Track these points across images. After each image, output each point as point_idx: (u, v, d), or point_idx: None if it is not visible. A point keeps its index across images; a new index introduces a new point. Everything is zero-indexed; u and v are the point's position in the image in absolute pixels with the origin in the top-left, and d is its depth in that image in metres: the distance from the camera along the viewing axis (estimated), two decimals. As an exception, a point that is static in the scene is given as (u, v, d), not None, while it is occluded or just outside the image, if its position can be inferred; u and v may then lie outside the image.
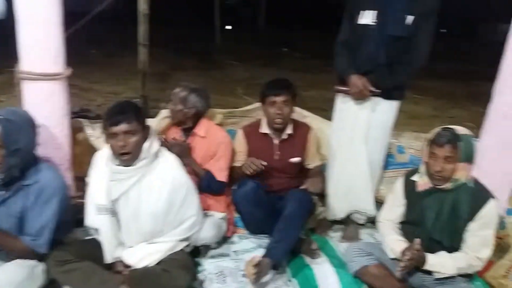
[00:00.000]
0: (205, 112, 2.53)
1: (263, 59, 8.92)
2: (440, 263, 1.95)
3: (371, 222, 2.67)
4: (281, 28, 13.45)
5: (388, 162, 2.90)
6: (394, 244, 2.06)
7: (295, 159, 2.48)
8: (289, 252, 2.33)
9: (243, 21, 14.82)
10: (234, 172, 2.56)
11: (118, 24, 9.21)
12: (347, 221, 2.71)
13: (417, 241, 1.93)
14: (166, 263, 2.01)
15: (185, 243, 2.14)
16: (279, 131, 2.52)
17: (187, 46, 9.81)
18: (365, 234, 2.72)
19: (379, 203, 2.53)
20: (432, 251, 1.97)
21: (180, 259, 2.05)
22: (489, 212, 1.92)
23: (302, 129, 2.61)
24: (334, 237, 2.69)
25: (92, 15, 3.47)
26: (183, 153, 2.37)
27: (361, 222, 2.71)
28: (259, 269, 2.06)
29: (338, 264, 2.33)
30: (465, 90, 6.94)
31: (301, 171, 2.62)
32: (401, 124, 5.00)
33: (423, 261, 1.93)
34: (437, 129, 1.96)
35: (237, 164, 2.55)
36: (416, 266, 1.97)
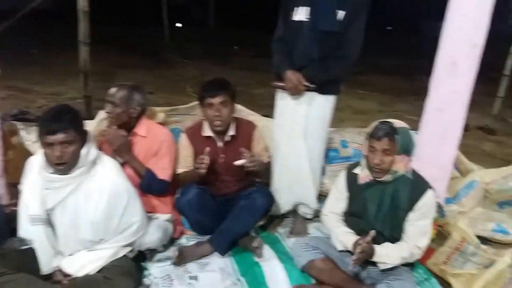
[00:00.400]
0: (146, 110, 2.45)
1: (214, 58, 8.86)
2: (386, 254, 2.00)
3: (318, 216, 2.71)
4: (231, 27, 13.43)
5: (333, 157, 2.96)
6: (344, 236, 2.10)
7: (240, 162, 2.40)
8: (232, 242, 2.41)
9: (193, 19, 14.68)
10: (179, 180, 2.49)
11: (61, 23, 8.81)
12: (295, 216, 2.74)
13: (372, 233, 1.97)
14: (108, 270, 1.94)
15: (128, 249, 2.07)
16: (221, 133, 2.44)
17: (135, 44, 9.57)
18: (313, 228, 2.75)
19: (324, 196, 2.56)
20: (375, 241, 2.02)
21: (123, 265, 1.98)
22: (427, 202, 2.00)
23: (246, 128, 2.53)
24: (282, 233, 2.71)
25: (23, 13, 3.28)
26: (124, 148, 2.28)
27: (309, 217, 2.74)
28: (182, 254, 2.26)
29: (287, 259, 2.34)
30: (409, 84, 7.21)
31: (249, 172, 2.55)
32: (348, 119, 5.18)
33: (372, 253, 1.97)
34: (375, 123, 2.01)
35: (184, 169, 2.47)
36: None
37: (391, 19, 16.81)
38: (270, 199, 2.47)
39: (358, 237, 2.04)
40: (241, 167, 2.35)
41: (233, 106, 2.43)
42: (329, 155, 2.98)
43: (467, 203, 2.80)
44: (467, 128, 5.04)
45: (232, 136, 2.45)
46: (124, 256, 2.04)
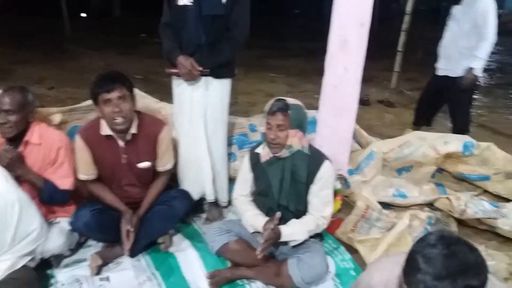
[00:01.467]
0: (34, 113, 2.17)
1: (120, 47, 8.47)
2: (292, 232, 2.07)
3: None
4: (138, 14, 12.90)
5: (243, 141, 2.98)
6: (254, 219, 2.13)
7: (144, 164, 2.21)
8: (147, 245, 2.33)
9: (96, 9, 13.87)
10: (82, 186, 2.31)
11: None
12: (210, 204, 2.73)
13: (277, 215, 2.02)
14: (6, 284, 1.78)
15: (27, 258, 1.92)
16: (122, 131, 2.17)
17: (31, 38, 8.81)
18: (229, 213, 2.77)
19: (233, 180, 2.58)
20: (282, 217, 2.08)
21: (22, 277, 1.83)
22: (325, 173, 2.09)
23: (151, 126, 2.27)
24: (197, 220, 2.69)
25: None
26: (14, 164, 2.02)
27: (223, 204, 2.74)
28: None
29: (202, 247, 2.34)
30: (314, 65, 7.48)
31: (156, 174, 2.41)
32: (260, 102, 5.26)
33: (279, 235, 2.03)
34: (271, 100, 2.06)
35: (86, 176, 2.25)
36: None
37: (298, 2, 17.30)
38: (188, 202, 2.40)
39: (266, 218, 2.09)
40: (147, 169, 2.23)
41: (134, 100, 2.17)
42: (239, 140, 3.00)
43: (369, 172, 2.99)
44: (368, 103, 5.41)
45: (134, 134, 2.20)
46: (24, 266, 1.89)
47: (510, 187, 3.03)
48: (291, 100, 2.06)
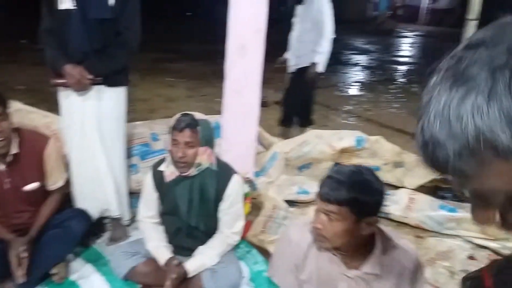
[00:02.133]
0: None
1: (-1, 54, 7.61)
2: (201, 263, 2.00)
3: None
4: (18, 17, 11.69)
5: (145, 152, 2.86)
6: (156, 253, 2.02)
7: (32, 186, 2.00)
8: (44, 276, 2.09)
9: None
10: None
11: None
12: (112, 222, 2.55)
13: (174, 262, 1.94)
14: None
15: None
16: (1, 155, 1.96)
17: None
18: (135, 230, 2.62)
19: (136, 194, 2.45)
20: (192, 236, 2.02)
21: None
22: (234, 188, 2.05)
23: (35, 143, 2.09)
24: (100, 242, 2.51)
25: None
26: None
27: (125, 223, 2.58)
28: None
29: (108, 271, 2.17)
30: (213, 68, 7.51)
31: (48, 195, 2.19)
32: (159, 108, 5.11)
33: (184, 274, 1.94)
34: (177, 116, 1.97)
35: None
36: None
37: (190, 4, 17.17)
38: (87, 222, 2.21)
39: (169, 251, 2.01)
40: (35, 191, 2.01)
41: (10, 117, 1.94)
42: (141, 151, 2.87)
43: (273, 173, 3.07)
44: (266, 104, 5.55)
45: (15, 154, 1.99)
46: None
47: (398, 175, 3.35)
48: (198, 115, 1.97)
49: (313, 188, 3.17)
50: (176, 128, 1.90)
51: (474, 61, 0.37)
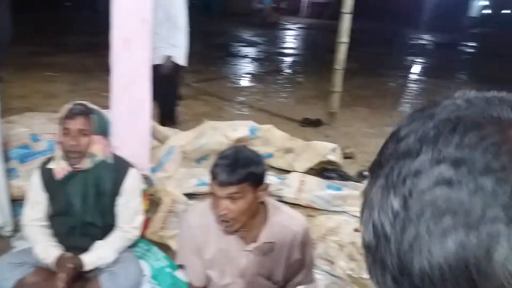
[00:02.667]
0: None
1: None
2: (98, 256, 1.92)
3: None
4: None
5: (24, 154, 2.62)
6: (45, 254, 1.87)
7: None
8: None
9: None
10: None
11: None
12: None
13: (68, 255, 1.83)
14: None
15: None
16: None
17: None
18: (20, 240, 2.39)
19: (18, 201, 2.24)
20: (88, 234, 1.92)
21: None
22: (132, 183, 2.00)
23: None
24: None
25: None
26: None
27: (8, 234, 2.34)
28: None
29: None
30: (98, 61, 7.07)
31: None
32: (39, 105, 4.69)
33: (80, 266, 1.84)
34: (68, 105, 1.85)
35: None
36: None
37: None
38: None
39: (59, 249, 1.88)
40: None
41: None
42: (20, 154, 2.62)
43: (170, 167, 3.03)
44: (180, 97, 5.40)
45: None
46: None
47: (289, 160, 3.54)
48: (90, 105, 1.88)
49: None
50: (68, 116, 1.80)
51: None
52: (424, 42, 13.26)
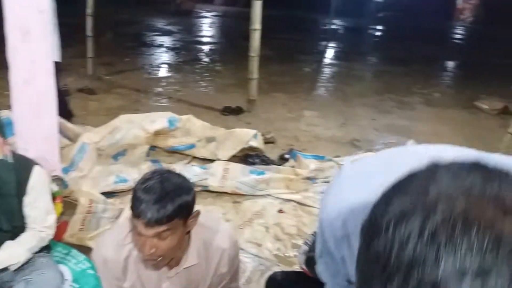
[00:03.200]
0: None
1: None
2: (9, 255, 1.79)
3: None
4: None
5: None
6: None
7: None
8: None
9: None
10: None
11: None
12: None
13: None
14: None
15: None
16: None
17: None
18: None
19: None
20: None
21: None
22: (38, 181, 1.87)
23: None
24: None
25: None
26: None
27: None
28: None
29: None
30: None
31: None
32: None
33: None
34: None
35: None
36: None
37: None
38: None
39: None
40: None
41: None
42: None
43: (85, 166, 2.87)
44: (68, 93, 5.11)
45: None
46: None
47: (212, 149, 3.53)
48: None
49: (131, 175, 3.10)
50: None
51: None
52: (335, 27, 13.83)
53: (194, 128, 3.46)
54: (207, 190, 3.11)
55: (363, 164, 0.85)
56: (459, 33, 16.36)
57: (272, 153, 3.84)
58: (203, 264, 1.40)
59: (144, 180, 1.20)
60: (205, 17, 14.80)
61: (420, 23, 14.25)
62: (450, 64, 9.96)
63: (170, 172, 1.26)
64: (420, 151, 0.78)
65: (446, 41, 13.44)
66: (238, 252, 1.53)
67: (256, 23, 4.56)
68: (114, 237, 1.38)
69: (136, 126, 3.15)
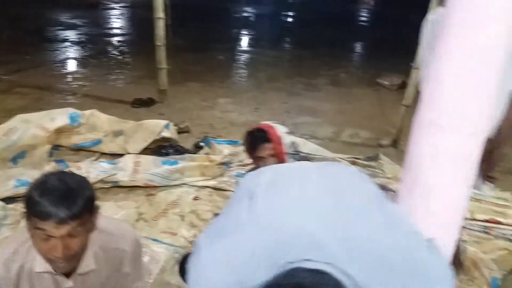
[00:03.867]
0: None
1: None
2: None
3: None
4: None
5: None
6: None
7: None
8: None
9: None
10: None
11: None
12: None
13: None
14: None
15: None
16: None
17: None
18: None
19: None
20: None
21: None
22: None
23: None
24: None
25: None
26: None
27: None
28: None
29: None
30: None
31: None
32: None
33: None
34: None
35: None
36: None
37: None
38: None
39: None
40: None
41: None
42: None
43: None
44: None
45: None
46: None
47: (120, 143, 3.43)
48: None
49: (34, 177, 2.91)
50: None
51: None
52: (246, 14, 13.94)
53: (99, 122, 3.33)
54: (118, 186, 3.02)
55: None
56: (363, 15, 17.33)
57: (187, 143, 3.83)
58: (102, 269, 1.37)
59: (39, 184, 1.15)
60: (113, 8, 14.14)
61: (328, 8, 14.87)
62: (356, 45, 10.54)
63: (63, 172, 1.24)
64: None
65: (352, 24, 14.17)
66: (140, 252, 1.52)
67: (159, 12, 4.46)
68: (1, 255, 1.30)
69: (34, 125, 2.96)
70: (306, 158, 3.40)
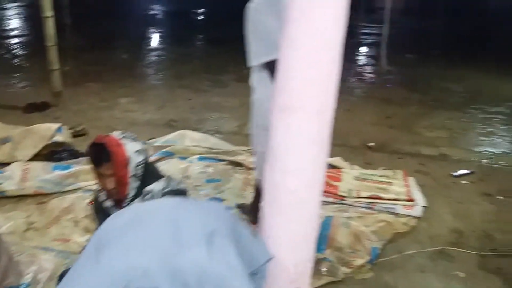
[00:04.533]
0: None
1: None
2: None
3: None
4: None
5: None
6: None
7: None
8: None
9: None
10: None
11: None
12: None
13: None
14: None
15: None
16: None
17: None
18: None
19: None
20: None
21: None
22: None
23: None
24: None
25: None
26: None
27: None
28: None
29: None
30: None
31: None
32: None
33: None
34: None
35: None
36: None
37: None
38: None
39: None
40: None
41: None
42: None
43: None
44: None
45: None
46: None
47: (7, 151, 3.22)
48: None
49: None
50: None
51: None
52: (154, 12, 13.63)
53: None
54: (5, 197, 2.84)
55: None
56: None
57: (83, 146, 3.67)
58: None
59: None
60: (5, 8, 13.05)
61: (237, 4, 14.98)
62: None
63: None
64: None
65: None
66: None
67: (48, 10, 4.24)
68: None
69: None
70: (181, 192, 3.23)
